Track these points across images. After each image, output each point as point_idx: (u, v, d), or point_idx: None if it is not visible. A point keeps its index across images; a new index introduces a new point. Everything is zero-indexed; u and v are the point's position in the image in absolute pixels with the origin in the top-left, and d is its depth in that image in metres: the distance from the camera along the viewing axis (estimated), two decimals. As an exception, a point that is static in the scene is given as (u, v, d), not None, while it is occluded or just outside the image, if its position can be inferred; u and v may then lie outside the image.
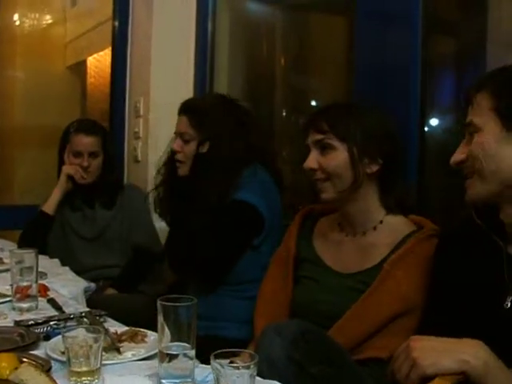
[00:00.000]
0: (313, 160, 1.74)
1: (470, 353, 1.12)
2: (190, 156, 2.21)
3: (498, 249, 1.32)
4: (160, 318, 1.18)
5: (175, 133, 2.28)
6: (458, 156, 1.34)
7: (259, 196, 2.10)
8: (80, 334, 1.22)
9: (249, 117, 2.29)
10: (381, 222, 1.77)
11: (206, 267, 2.11)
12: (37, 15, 4.47)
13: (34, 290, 1.72)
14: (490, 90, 1.29)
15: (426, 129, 2.20)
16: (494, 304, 1.28)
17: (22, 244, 2.62)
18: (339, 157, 1.71)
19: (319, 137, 1.73)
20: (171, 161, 2.28)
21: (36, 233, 2.75)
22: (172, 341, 1.17)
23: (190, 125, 2.20)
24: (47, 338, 1.44)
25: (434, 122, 2.28)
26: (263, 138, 2.35)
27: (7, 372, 1.14)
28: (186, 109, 2.26)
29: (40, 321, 1.54)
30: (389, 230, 1.75)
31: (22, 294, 1.70)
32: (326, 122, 1.72)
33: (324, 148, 1.72)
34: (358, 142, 1.70)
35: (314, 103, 3.12)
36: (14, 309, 1.70)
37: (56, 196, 2.83)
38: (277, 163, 2.34)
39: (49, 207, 2.81)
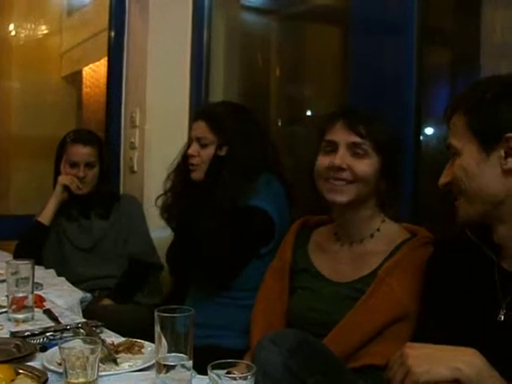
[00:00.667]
0: (344, 159, 1.69)
1: (464, 361, 1.12)
2: (205, 160, 2.21)
3: (491, 262, 1.33)
4: (157, 329, 1.18)
5: (191, 137, 2.29)
6: (444, 179, 1.36)
7: (272, 204, 2.11)
8: (77, 345, 1.22)
9: (262, 126, 2.32)
10: (378, 229, 1.78)
11: (210, 272, 2.11)
12: (32, 25, 4.47)
13: (29, 301, 1.72)
14: (463, 109, 1.31)
15: (421, 138, 2.20)
16: (487, 316, 1.28)
17: (18, 254, 2.61)
18: (372, 165, 1.70)
19: (357, 140, 1.69)
20: (183, 166, 2.29)
21: (32, 243, 2.74)
22: (169, 351, 1.17)
23: (209, 129, 2.21)
24: (44, 349, 1.44)
25: (429, 131, 2.29)
26: (275, 149, 2.35)
27: (4, 384, 1.14)
28: (203, 114, 2.28)
29: (36, 332, 1.54)
30: (385, 237, 1.76)
31: (18, 304, 1.70)
32: (365, 126, 1.69)
33: (357, 152, 1.70)
34: (388, 155, 1.71)
35: (309, 113, 3.12)
36: (9, 320, 1.70)
37: (51, 206, 2.82)
38: (288, 176, 2.33)
39: (44, 217, 2.81)
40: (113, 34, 3.54)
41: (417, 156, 2.16)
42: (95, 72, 4.56)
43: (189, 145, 2.29)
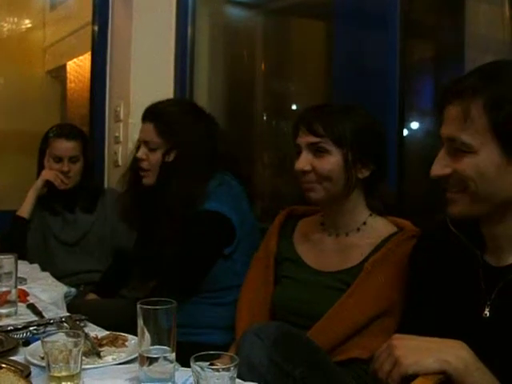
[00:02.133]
0: (305, 161, 1.72)
1: (451, 353, 1.12)
2: (155, 164, 2.15)
3: (474, 257, 1.32)
4: (140, 322, 1.18)
5: (139, 140, 2.22)
6: (441, 170, 1.26)
7: (228, 205, 2.07)
8: (60, 338, 1.22)
9: (215, 124, 2.26)
10: (364, 223, 1.78)
11: (174, 278, 2.08)
12: (15, 19, 4.44)
13: (13, 296, 1.71)
14: (484, 101, 1.18)
15: (405, 132, 2.21)
16: (472, 312, 1.28)
17: (1, 249, 2.59)
18: (334, 161, 1.70)
19: (314, 140, 1.71)
20: (135, 169, 2.22)
21: (13, 237, 2.73)
22: (152, 344, 1.17)
23: (157, 133, 2.14)
24: (27, 343, 1.43)
25: (413, 125, 2.30)
26: (229, 145, 2.30)
27: (-14, 378, 1.13)
28: (151, 116, 2.19)
29: (19, 326, 1.53)
30: (371, 231, 1.77)
31: (1, 299, 1.69)
32: (322, 125, 1.70)
33: (318, 151, 1.71)
34: (353, 147, 1.69)
35: (294, 107, 3.13)
36: (-8, 314, 1.69)
37: (30, 199, 2.81)
38: (245, 170, 2.30)
39: (23, 211, 2.80)
40: (96, 28, 3.52)
41: (400, 150, 2.17)
42: (79, 66, 4.54)
43: (138, 146, 2.23)
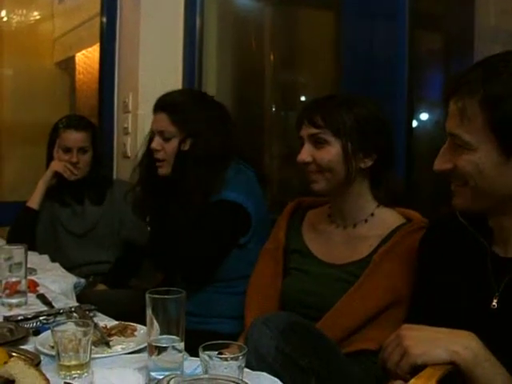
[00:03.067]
0: (306, 153, 1.73)
1: (460, 343, 1.11)
2: (171, 154, 2.14)
3: (483, 247, 1.31)
4: (149, 311, 1.18)
5: (152, 131, 2.21)
6: (444, 165, 1.26)
7: (245, 194, 2.07)
8: (69, 327, 1.23)
9: (227, 113, 2.26)
10: (372, 214, 1.78)
11: (190, 267, 2.09)
12: (24, 11, 4.45)
13: (23, 286, 1.72)
14: (480, 100, 1.17)
15: (413, 123, 2.21)
16: (480, 303, 1.27)
17: (11, 240, 2.62)
18: (333, 151, 1.70)
19: (314, 131, 1.72)
20: (150, 160, 2.21)
21: (23, 228, 2.75)
22: (161, 334, 1.18)
23: (171, 121, 2.14)
24: (37, 332, 1.44)
25: (421, 116, 2.29)
26: (242, 134, 2.31)
27: (-4, 366, 1.14)
28: (164, 105, 2.19)
29: (29, 316, 1.55)
30: (379, 222, 1.76)
31: (11, 289, 1.71)
32: (321, 116, 1.71)
33: (318, 142, 1.72)
34: (353, 138, 1.69)
35: (302, 98, 3.12)
36: (3, 304, 1.71)
37: (39, 190, 2.82)
38: (258, 159, 2.31)
39: (33, 202, 2.81)
40: (105, 19, 3.52)
41: (409, 140, 2.16)
42: (88, 58, 4.54)
43: (151, 137, 2.22)
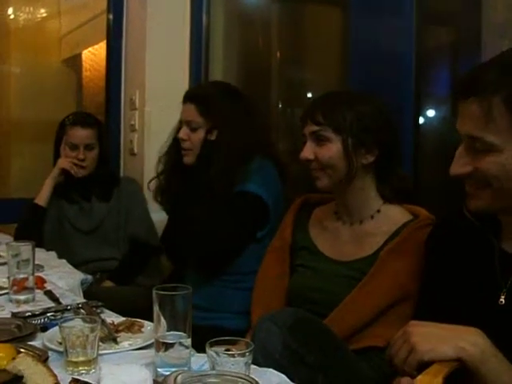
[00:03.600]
0: (308, 151, 1.74)
1: (467, 340, 1.11)
2: (197, 144, 2.20)
3: (490, 244, 1.31)
4: (156, 308, 1.18)
5: (181, 121, 2.26)
6: (461, 169, 1.23)
7: (266, 189, 2.10)
8: (77, 324, 1.23)
9: (253, 108, 2.29)
10: (378, 211, 1.78)
11: (205, 256, 2.11)
12: (31, 9, 4.45)
13: (30, 283, 1.73)
14: (505, 99, 1.14)
15: (421, 119, 2.20)
16: (487, 299, 1.27)
17: (18, 237, 2.63)
18: (333, 148, 1.71)
19: (315, 128, 1.73)
20: (175, 149, 2.27)
21: (30, 225, 2.76)
22: (168, 330, 1.18)
23: (198, 112, 2.19)
24: (44, 329, 1.45)
25: (429, 112, 2.28)
26: (267, 130, 2.34)
27: (5, 362, 1.15)
28: (192, 96, 2.25)
29: (37, 312, 1.55)
30: (386, 219, 1.76)
31: (19, 286, 1.71)
32: (322, 113, 1.72)
33: (319, 139, 1.73)
34: (353, 134, 1.70)
35: (309, 95, 3.12)
36: (11, 301, 1.71)
37: (47, 187, 2.84)
38: (281, 156, 2.32)
39: (40, 199, 2.83)
40: (111, 16, 3.53)
41: (416, 137, 2.15)
42: (95, 55, 4.55)
43: (179, 128, 2.27)
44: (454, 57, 2.36)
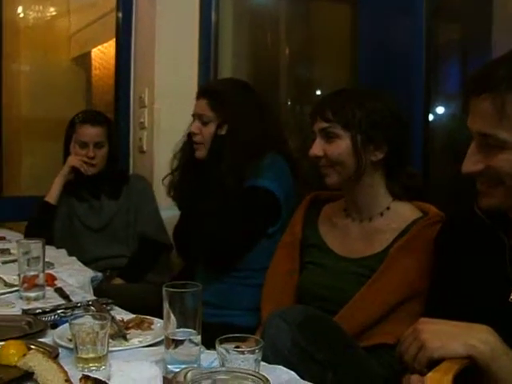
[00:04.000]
0: (318, 147, 1.74)
1: (478, 338, 1.11)
2: (208, 138, 2.21)
3: (501, 241, 1.30)
4: (166, 305, 1.19)
5: (193, 115, 2.29)
6: (473, 167, 1.22)
7: (278, 185, 2.10)
8: (87, 321, 1.24)
9: (266, 104, 2.30)
10: (387, 208, 1.77)
11: (216, 251, 2.11)
12: (40, 8, 4.47)
13: (41, 280, 1.74)
14: None
15: (430, 116, 2.19)
16: (497, 297, 1.26)
17: (29, 235, 2.64)
18: (343, 145, 1.71)
19: (324, 125, 1.73)
20: (188, 144, 2.29)
21: (41, 223, 2.77)
22: (178, 327, 1.18)
23: (209, 106, 2.22)
24: (54, 326, 1.45)
25: (438, 109, 2.28)
26: (279, 126, 2.35)
27: (15, 359, 1.15)
28: (205, 91, 2.28)
29: (47, 309, 1.56)
30: (395, 216, 1.76)
31: (29, 283, 1.72)
32: (331, 110, 1.72)
33: (329, 136, 1.73)
34: (362, 130, 1.70)
35: (318, 92, 3.11)
36: (21, 298, 1.72)
37: (57, 185, 2.85)
38: (292, 152, 2.32)
39: (50, 197, 2.84)
40: (121, 14, 3.53)
41: (426, 134, 2.15)
42: (104, 53, 4.56)
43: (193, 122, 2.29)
44: (464, 53, 2.35)
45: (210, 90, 2.28)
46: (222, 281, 2.15)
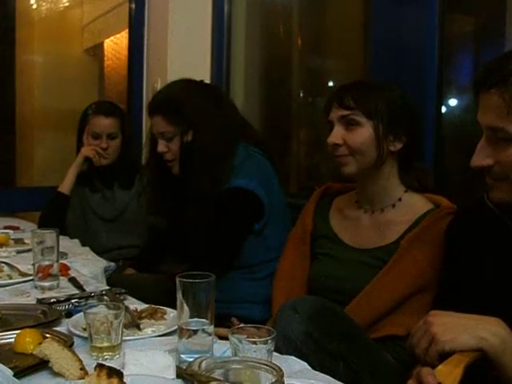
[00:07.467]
0: (337, 135, 1.73)
1: (488, 330, 1.11)
2: (177, 153, 2.14)
3: (511, 233, 1.30)
4: (179, 295, 1.19)
5: (153, 134, 2.20)
6: (482, 161, 1.22)
7: (256, 180, 2.06)
8: (101, 310, 1.25)
9: (220, 93, 2.25)
10: (399, 199, 1.77)
11: (210, 260, 2.07)
12: (53, -1, 4.49)
13: (55, 270, 1.75)
14: None
15: (443, 109, 2.18)
16: (508, 289, 1.26)
17: (42, 225, 2.65)
18: (365, 133, 1.70)
19: (345, 112, 1.72)
20: (156, 161, 2.23)
21: (54, 213, 2.79)
22: (191, 317, 1.19)
23: (166, 122, 2.13)
24: (69, 315, 1.47)
25: (451, 102, 2.27)
26: (241, 116, 2.27)
27: (31, 347, 1.17)
28: (156, 108, 2.18)
29: (62, 299, 1.57)
30: (407, 207, 1.76)
31: (44, 273, 1.73)
32: (353, 98, 1.71)
33: (349, 124, 1.72)
34: (384, 120, 1.70)
35: (330, 84, 3.11)
36: (36, 287, 1.74)
37: (71, 176, 2.86)
38: (259, 135, 2.27)
39: (64, 187, 2.85)
40: (133, 5, 3.54)
41: (438, 126, 2.14)
42: (116, 44, 4.57)
43: (151, 140, 2.23)
44: (476, 46, 2.33)
45: (161, 104, 2.17)
46: (225, 277, 2.12)
